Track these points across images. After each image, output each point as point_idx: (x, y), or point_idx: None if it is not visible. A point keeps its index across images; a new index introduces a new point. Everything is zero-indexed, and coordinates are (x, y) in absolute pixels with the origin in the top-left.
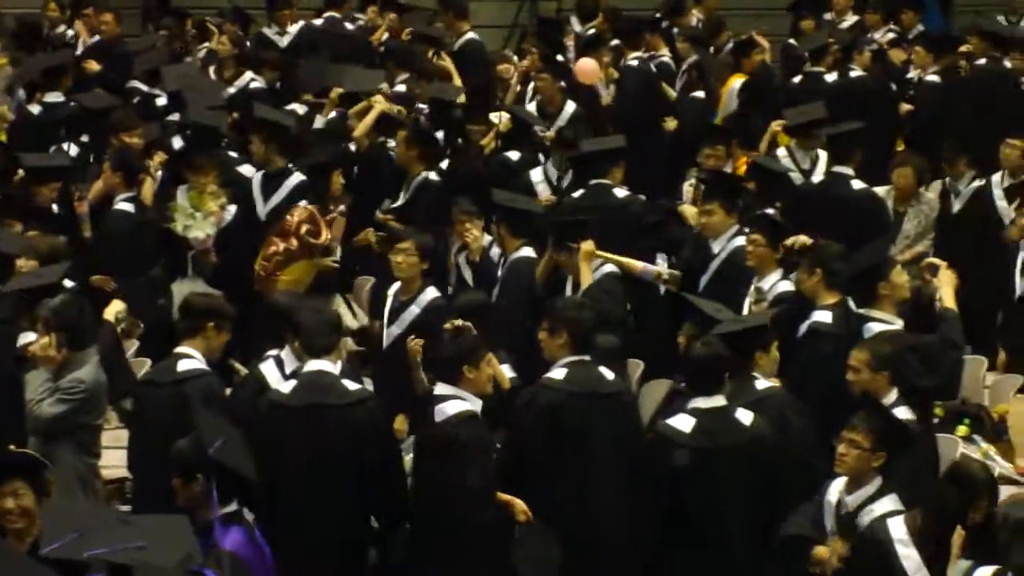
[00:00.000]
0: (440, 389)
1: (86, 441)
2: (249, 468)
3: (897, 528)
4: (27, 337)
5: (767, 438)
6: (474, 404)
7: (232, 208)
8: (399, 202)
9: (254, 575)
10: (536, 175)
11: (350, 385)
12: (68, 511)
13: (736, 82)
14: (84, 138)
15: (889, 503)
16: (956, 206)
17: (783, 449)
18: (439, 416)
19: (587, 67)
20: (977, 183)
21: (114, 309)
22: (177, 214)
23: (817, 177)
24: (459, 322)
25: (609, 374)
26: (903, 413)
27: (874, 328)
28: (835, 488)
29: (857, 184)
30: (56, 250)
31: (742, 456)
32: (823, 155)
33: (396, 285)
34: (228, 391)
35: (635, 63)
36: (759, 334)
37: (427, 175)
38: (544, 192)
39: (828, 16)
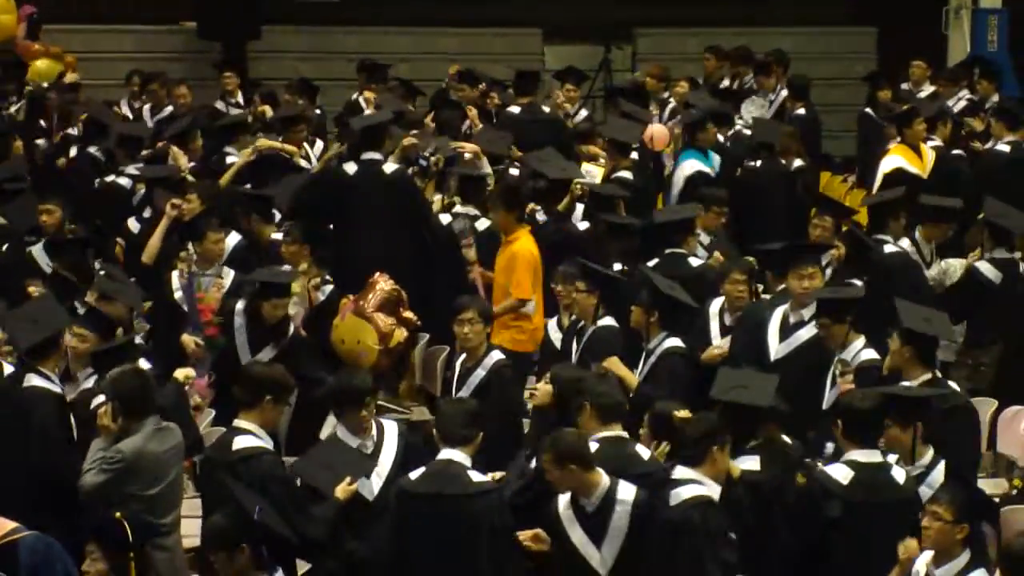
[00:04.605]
0: (679, 473)
1: (140, 510)
2: (286, 529)
3: None
4: (100, 399)
5: (917, 500)
6: (712, 490)
7: (328, 288)
8: None
9: None
10: None
11: (476, 476)
12: None
13: (894, 156)
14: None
15: None
16: None
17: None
18: (674, 500)
19: (661, 134)
20: None
21: (183, 372)
22: None
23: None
24: (684, 413)
25: (645, 452)
26: None
27: None
28: (922, 561)
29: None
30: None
31: (894, 514)
32: None
33: (463, 355)
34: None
35: None
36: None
37: None
38: None
39: (905, 86)
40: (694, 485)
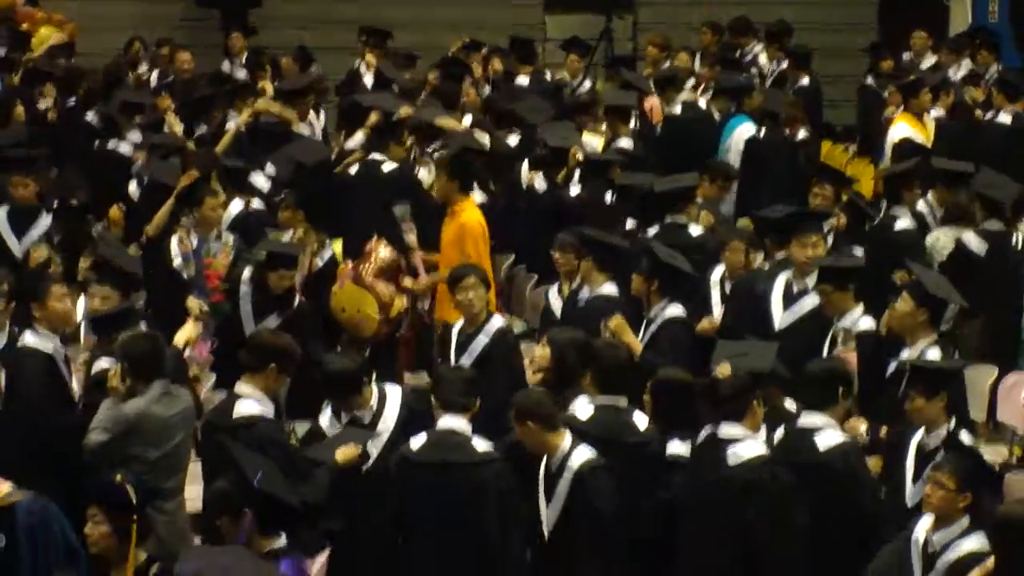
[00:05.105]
0: (726, 431)
1: (141, 472)
2: (290, 495)
3: None
4: (101, 363)
5: (837, 466)
6: (762, 446)
7: (327, 254)
8: None
9: None
10: None
11: (479, 444)
12: None
13: (902, 125)
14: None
15: (975, 541)
16: None
17: (850, 480)
18: (732, 460)
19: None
20: None
21: (184, 335)
22: None
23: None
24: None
25: (642, 422)
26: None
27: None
28: (922, 526)
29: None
30: None
31: (806, 478)
32: None
33: (459, 323)
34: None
35: (678, 109)
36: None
37: None
38: None
39: (907, 56)
40: (750, 443)
